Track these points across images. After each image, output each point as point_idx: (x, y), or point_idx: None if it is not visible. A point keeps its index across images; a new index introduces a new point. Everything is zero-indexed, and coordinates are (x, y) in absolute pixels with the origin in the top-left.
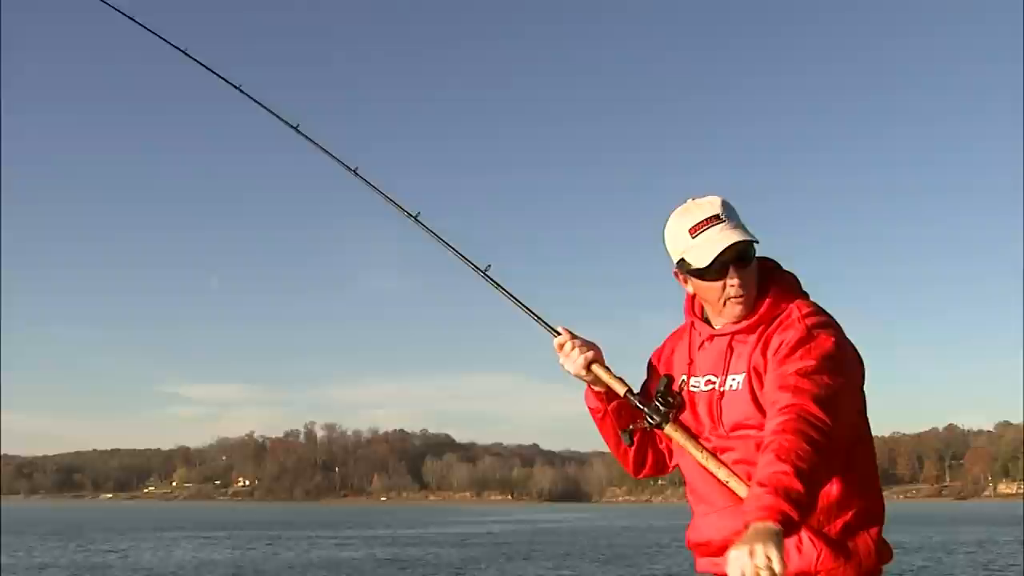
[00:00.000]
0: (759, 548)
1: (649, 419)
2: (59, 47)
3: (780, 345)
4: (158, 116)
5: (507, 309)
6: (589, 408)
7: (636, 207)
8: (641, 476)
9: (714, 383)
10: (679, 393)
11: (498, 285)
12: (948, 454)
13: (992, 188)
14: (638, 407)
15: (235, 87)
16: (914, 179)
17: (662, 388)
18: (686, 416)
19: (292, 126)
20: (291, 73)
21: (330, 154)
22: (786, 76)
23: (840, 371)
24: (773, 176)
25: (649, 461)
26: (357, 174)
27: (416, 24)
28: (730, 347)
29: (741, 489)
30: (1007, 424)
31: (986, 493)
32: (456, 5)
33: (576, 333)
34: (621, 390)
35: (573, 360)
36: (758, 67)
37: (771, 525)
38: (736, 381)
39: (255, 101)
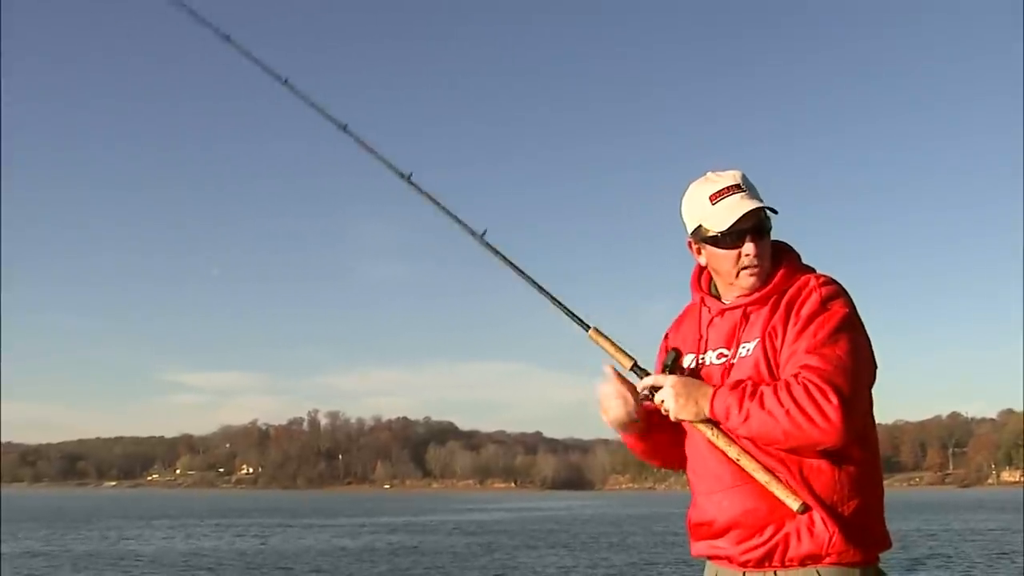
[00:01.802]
0: (677, 392)
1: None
2: (58, 37)
3: (797, 315)
4: (157, 105)
5: (511, 297)
6: (626, 443)
7: (639, 195)
8: (666, 464)
9: (726, 355)
10: (694, 368)
11: (496, 251)
12: (951, 442)
13: (992, 175)
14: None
15: (224, 36)
16: (911, 166)
17: (669, 362)
18: None
19: (281, 80)
20: (283, 37)
21: (319, 109)
22: (776, 67)
23: (852, 346)
24: (783, 163)
25: (672, 454)
26: (347, 131)
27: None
28: (743, 319)
29: (752, 467)
30: (1010, 412)
31: (989, 481)
32: None
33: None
34: (627, 363)
35: (611, 412)
36: (766, 53)
37: (707, 404)
38: (747, 348)
39: (244, 53)
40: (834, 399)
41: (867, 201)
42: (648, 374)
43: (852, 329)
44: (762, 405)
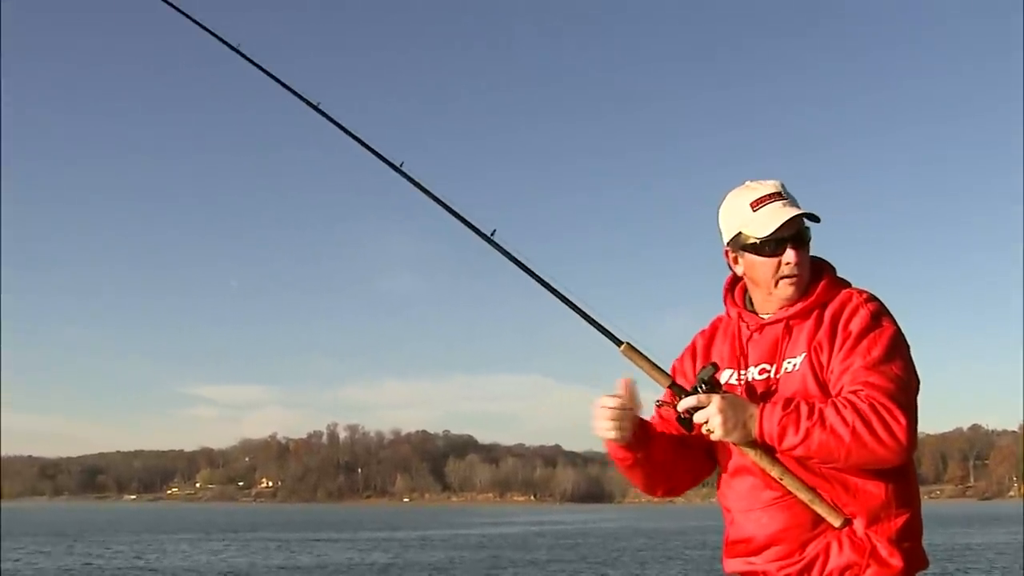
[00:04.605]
0: (724, 414)
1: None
2: (74, 45)
3: (846, 331)
4: (175, 116)
5: (530, 308)
6: (616, 458)
7: (663, 205)
8: (682, 490)
9: (768, 371)
10: (733, 384)
11: (503, 250)
12: (972, 454)
13: (1014, 182)
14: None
15: (254, 62)
16: (933, 175)
17: (706, 378)
18: None
19: (314, 105)
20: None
21: (348, 132)
22: (785, 77)
23: (906, 363)
24: (790, 169)
25: (690, 471)
26: (319, 109)
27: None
28: (786, 333)
29: (795, 486)
30: None
31: (1011, 493)
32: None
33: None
34: (664, 381)
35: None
36: (770, 65)
37: (755, 425)
38: (793, 364)
39: (274, 78)
40: (902, 418)
41: (887, 210)
42: (685, 392)
43: (904, 347)
44: (823, 425)
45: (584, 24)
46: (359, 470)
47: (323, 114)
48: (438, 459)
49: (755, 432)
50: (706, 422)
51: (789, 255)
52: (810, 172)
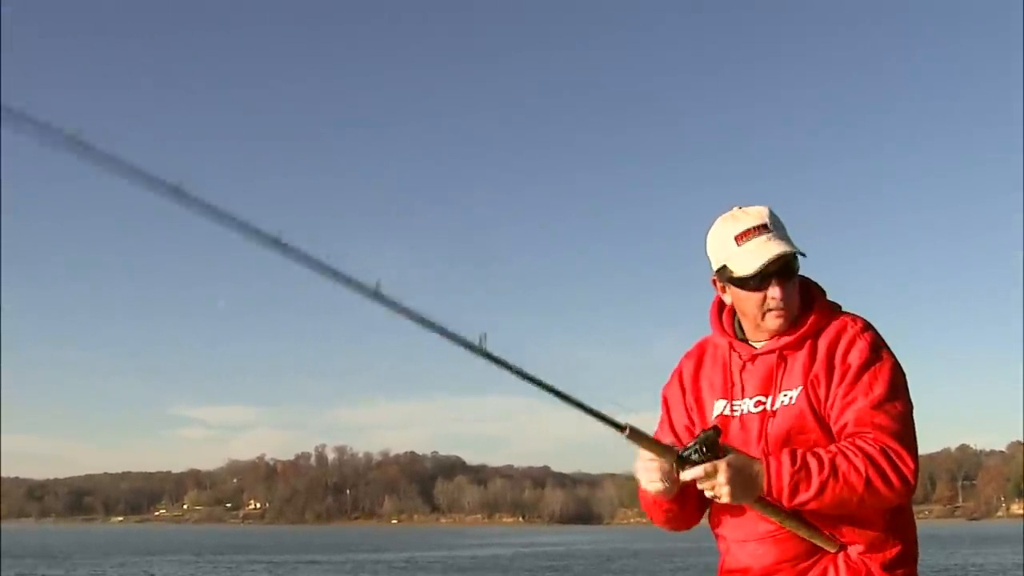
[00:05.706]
0: (732, 482)
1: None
2: (64, 66)
3: (845, 364)
4: (161, 134)
5: (518, 330)
6: (657, 509)
7: (659, 227)
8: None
9: (764, 404)
10: (727, 416)
11: (496, 359)
12: (961, 474)
13: (1002, 203)
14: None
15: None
16: (925, 188)
17: (709, 444)
18: (732, 441)
19: (278, 240)
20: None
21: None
22: (768, 89)
23: (907, 397)
24: (786, 186)
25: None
26: (279, 243)
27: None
28: (780, 364)
29: (795, 525)
30: (1020, 444)
31: (999, 514)
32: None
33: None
34: (670, 457)
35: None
36: (748, 80)
37: (762, 483)
38: (789, 396)
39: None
40: (910, 461)
41: (873, 227)
42: (691, 462)
43: (903, 378)
44: (835, 477)
45: (569, 38)
46: (347, 491)
47: (286, 247)
48: (426, 480)
49: (763, 490)
50: (711, 487)
51: (774, 291)
52: (803, 187)
